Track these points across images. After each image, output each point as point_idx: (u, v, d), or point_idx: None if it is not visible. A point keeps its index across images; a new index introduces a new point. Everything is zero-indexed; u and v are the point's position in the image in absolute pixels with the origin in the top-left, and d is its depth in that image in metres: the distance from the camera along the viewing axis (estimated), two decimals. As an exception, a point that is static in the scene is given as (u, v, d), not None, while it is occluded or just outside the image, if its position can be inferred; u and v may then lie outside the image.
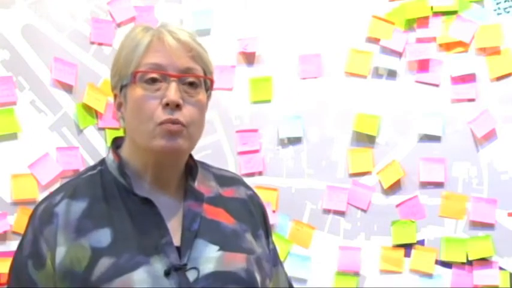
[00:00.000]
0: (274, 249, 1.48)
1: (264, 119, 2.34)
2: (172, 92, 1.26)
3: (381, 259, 2.29)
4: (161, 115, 1.25)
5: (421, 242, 2.28)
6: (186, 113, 1.27)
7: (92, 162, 2.24)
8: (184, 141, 1.27)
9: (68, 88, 2.29)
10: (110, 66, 2.33)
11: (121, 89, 1.32)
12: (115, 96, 1.35)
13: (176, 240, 1.27)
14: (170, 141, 1.26)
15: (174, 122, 1.26)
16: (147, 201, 1.28)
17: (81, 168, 2.23)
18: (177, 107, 1.26)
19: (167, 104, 1.25)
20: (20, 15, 2.29)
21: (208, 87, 1.34)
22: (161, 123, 1.25)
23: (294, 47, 2.35)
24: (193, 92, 1.29)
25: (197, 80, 1.30)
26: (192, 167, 1.36)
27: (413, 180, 2.30)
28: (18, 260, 1.31)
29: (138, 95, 1.27)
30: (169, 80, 1.27)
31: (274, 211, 2.29)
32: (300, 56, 2.35)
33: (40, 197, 2.21)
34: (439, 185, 2.29)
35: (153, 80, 1.27)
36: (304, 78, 2.35)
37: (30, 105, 2.27)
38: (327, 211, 2.31)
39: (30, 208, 2.15)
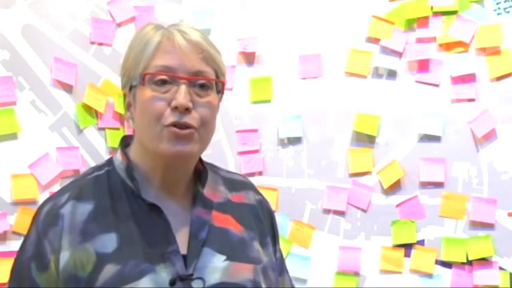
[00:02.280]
0: (281, 257, 1.46)
1: (264, 119, 2.34)
2: (182, 95, 1.22)
3: (381, 259, 2.29)
4: (169, 117, 1.23)
5: (421, 242, 2.28)
6: (197, 116, 1.24)
7: (92, 162, 2.24)
8: (195, 145, 1.25)
9: (68, 88, 2.29)
10: (110, 66, 2.36)
11: (130, 89, 1.29)
12: (124, 95, 1.32)
13: (183, 248, 1.25)
14: (179, 146, 1.23)
15: (183, 126, 1.23)
16: (155, 207, 1.25)
17: (81, 168, 2.24)
18: (187, 110, 1.23)
19: (176, 107, 1.22)
20: (20, 15, 2.29)
21: (220, 90, 1.30)
22: (168, 126, 1.22)
23: (294, 47, 2.35)
24: (204, 93, 1.26)
25: (208, 82, 1.26)
26: (201, 172, 1.33)
27: (413, 180, 2.30)
28: (20, 262, 1.28)
29: (146, 97, 1.24)
30: (179, 83, 1.24)
31: (274, 211, 2.28)
32: (300, 56, 2.35)
33: (40, 197, 2.21)
34: (439, 185, 2.29)
35: (163, 82, 1.24)
36: (304, 78, 2.35)
37: (30, 105, 2.27)
38: (327, 211, 2.31)
39: (30, 208, 2.18)
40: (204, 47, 1.26)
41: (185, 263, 1.24)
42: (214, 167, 1.41)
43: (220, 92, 1.30)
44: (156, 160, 1.27)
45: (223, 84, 1.31)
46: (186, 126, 1.23)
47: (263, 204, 1.43)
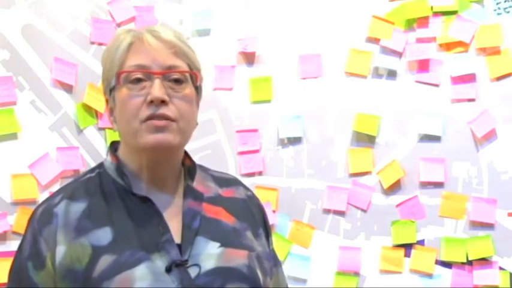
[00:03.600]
0: (274, 251, 1.48)
1: (264, 119, 2.34)
2: (156, 88, 1.25)
3: (381, 259, 2.29)
4: (145, 111, 1.26)
5: (421, 242, 2.28)
6: (174, 108, 1.27)
7: (92, 162, 2.25)
8: (175, 136, 1.27)
9: (68, 88, 2.30)
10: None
11: (110, 93, 1.32)
12: (106, 101, 1.36)
13: (176, 238, 1.27)
14: (158, 136, 1.25)
15: (160, 117, 1.25)
16: (146, 200, 1.28)
17: (81, 168, 2.24)
18: (163, 103, 1.26)
19: (152, 101, 1.25)
20: (20, 15, 2.29)
21: (196, 84, 1.33)
22: (146, 120, 1.25)
23: (294, 47, 2.35)
24: (179, 87, 1.29)
25: (182, 76, 1.30)
26: (190, 168, 1.36)
27: (413, 180, 2.30)
28: (18, 262, 1.30)
29: (123, 95, 1.28)
30: (153, 78, 1.27)
31: (274, 211, 2.29)
32: (300, 56, 2.35)
33: (40, 197, 2.21)
34: (439, 185, 2.29)
35: (138, 80, 1.28)
36: (304, 78, 2.35)
37: (30, 105, 2.27)
38: (327, 211, 2.31)
39: (30, 208, 2.17)
40: (175, 43, 1.30)
41: (180, 251, 1.25)
42: (203, 167, 1.43)
43: (195, 85, 1.32)
44: (141, 157, 1.30)
45: (196, 76, 1.33)
46: (164, 117, 1.25)
47: (253, 199, 1.45)
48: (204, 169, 1.43)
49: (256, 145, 2.33)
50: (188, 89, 1.30)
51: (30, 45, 2.28)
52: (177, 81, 1.29)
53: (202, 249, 1.27)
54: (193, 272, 1.24)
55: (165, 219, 1.27)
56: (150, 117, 1.25)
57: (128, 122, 1.27)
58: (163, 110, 1.25)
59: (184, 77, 1.30)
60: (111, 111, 1.34)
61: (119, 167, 1.32)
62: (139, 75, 1.27)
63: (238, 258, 1.29)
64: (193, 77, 1.32)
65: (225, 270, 1.27)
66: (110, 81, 1.31)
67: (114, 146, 1.38)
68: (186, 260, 1.25)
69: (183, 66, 1.30)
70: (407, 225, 2.28)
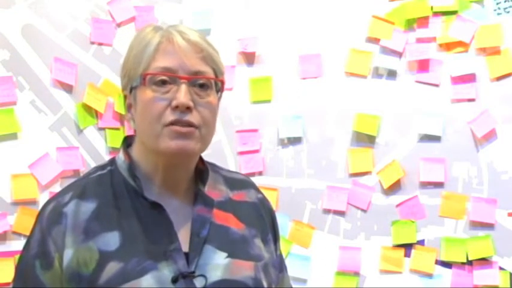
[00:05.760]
0: (281, 255, 1.48)
1: (264, 119, 2.34)
2: (182, 94, 1.24)
3: (381, 259, 2.29)
4: (169, 116, 1.24)
5: (421, 242, 2.28)
6: (198, 115, 1.25)
7: (92, 162, 2.25)
8: (196, 143, 1.26)
9: (68, 88, 2.29)
10: (110, 66, 2.36)
11: (131, 90, 1.30)
12: (125, 97, 1.33)
13: (184, 246, 1.26)
14: (180, 143, 1.24)
15: (185, 123, 1.24)
16: (157, 206, 1.27)
17: (82, 168, 2.24)
18: (188, 109, 1.24)
19: (176, 107, 1.24)
20: (20, 15, 2.29)
21: (219, 89, 1.32)
22: (168, 125, 1.24)
23: (294, 47, 2.35)
24: (204, 93, 1.27)
25: (208, 82, 1.28)
26: (202, 171, 1.35)
27: (413, 180, 2.30)
28: (25, 260, 1.29)
29: (147, 97, 1.26)
30: (179, 82, 1.25)
31: (274, 211, 2.29)
32: (300, 56, 2.35)
33: (40, 197, 2.21)
34: (439, 185, 2.29)
35: (163, 82, 1.25)
36: (304, 78, 2.35)
37: (30, 105, 2.27)
38: (327, 211, 2.31)
39: (30, 208, 2.18)
40: (203, 47, 1.28)
41: (187, 260, 1.25)
42: (215, 167, 1.42)
43: (219, 91, 1.32)
44: (158, 159, 1.28)
45: (222, 83, 1.32)
46: (188, 124, 1.24)
47: (264, 202, 1.44)
48: (216, 169, 1.41)
49: (256, 145, 2.33)
50: (212, 96, 1.29)
51: (30, 45, 2.28)
52: (202, 86, 1.27)
53: (210, 259, 1.26)
54: (199, 282, 1.24)
55: (174, 227, 1.26)
56: (174, 123, 1.24)
57: (150, 124, 1.25)
58: (188, 117, 1.24)
59: (210, 83, 1.28)
60: (129, 107, 1.32)
61: (131, 167, 1.30)
62: (164, 78, 1.25)
63: (244, 270, 1.29)
64: (218, 83, 1.31)
65: (230, 283, 1.26)
66: (132, 79, 1.29)
67: (127, 142, 1.35)
68: (193, 271, 1.24)
69: (209, 72, 1.28)
70: (407, 225, 2.28)
